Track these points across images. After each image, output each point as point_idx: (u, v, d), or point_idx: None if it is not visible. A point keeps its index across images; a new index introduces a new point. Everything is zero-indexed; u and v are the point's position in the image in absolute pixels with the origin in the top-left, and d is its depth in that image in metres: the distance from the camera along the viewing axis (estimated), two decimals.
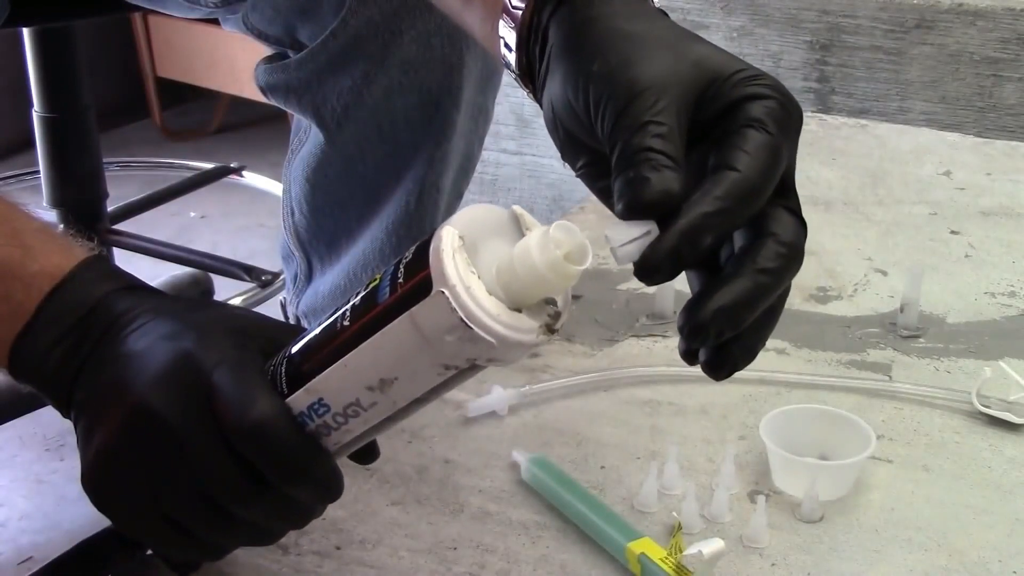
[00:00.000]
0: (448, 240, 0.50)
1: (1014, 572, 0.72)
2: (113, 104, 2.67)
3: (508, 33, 0.64)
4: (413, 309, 0.51)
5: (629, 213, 0.54)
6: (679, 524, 0.73)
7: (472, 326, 0.50)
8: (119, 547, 0.63)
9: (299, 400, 0.56)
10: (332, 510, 0.76)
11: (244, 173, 2.33)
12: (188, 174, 2.35)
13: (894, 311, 0.99)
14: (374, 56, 1.07)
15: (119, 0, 1.24)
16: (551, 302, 0.53)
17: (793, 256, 0.57)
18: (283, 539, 0.74)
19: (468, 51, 1.07)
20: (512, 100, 1.96)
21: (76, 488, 0.63)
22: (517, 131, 2.00)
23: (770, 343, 0.96)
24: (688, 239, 0.53)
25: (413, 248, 0.53)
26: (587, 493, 0.75)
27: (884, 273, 1.08)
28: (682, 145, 0.56)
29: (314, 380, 0.55)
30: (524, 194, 2.04)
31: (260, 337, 0.60)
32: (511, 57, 0.64)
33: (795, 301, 1.02)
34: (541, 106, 0.63)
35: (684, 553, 0.68)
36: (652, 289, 1.01)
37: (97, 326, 0.60)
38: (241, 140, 2.80)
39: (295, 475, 0.57)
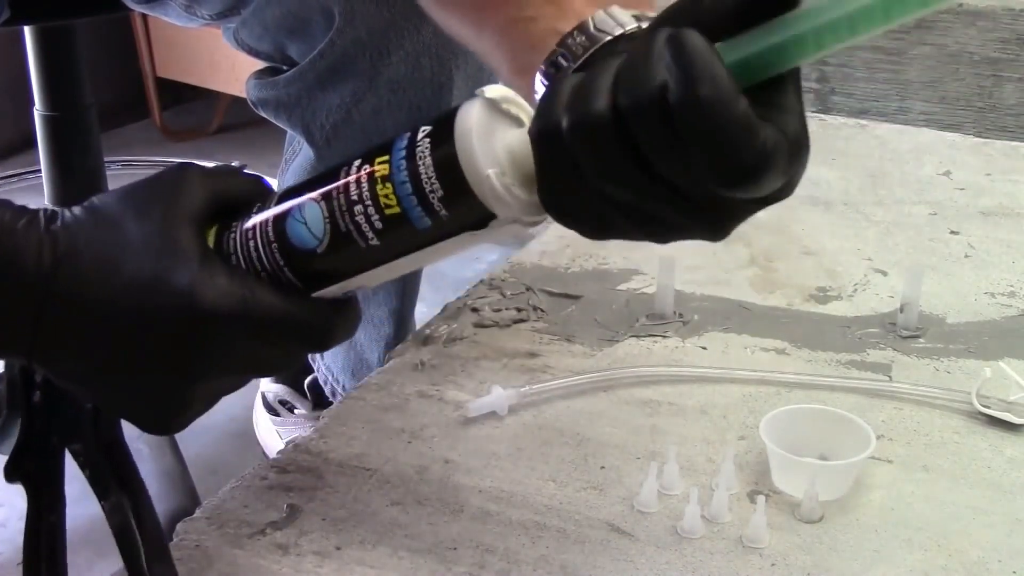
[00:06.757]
0: (499, 183, 0.53)
1: (1014, 572, 0.72)
2: (113, 104, 2.67)
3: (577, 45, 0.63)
4: (477, 232, 0.55)
5: None
6: None
7: (534, 225, 0.55)
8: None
9: (331, 291, 0.59)
10: (332, 510, 0.76)
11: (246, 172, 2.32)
12: None
13: (894, 311, 0.99)
14: (362, 75, 1.07)
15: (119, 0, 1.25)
16: None
17: None
18: (283, 539, 0.74)
19: (457, 71, 1.08)
20: None
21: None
22: None
23: (770, 343, 0.97)
24: None
25: (431, 166, 0.54)
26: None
27: (884, 273, 1.08)
28: None
29: (349, 279, 0.58)
30: None
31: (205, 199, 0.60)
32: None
33: (795, 301, 1.02)
34: None
35: None
36: (652, 289, 1.01)
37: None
38: (241, 140, 2.80)
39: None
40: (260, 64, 1.18)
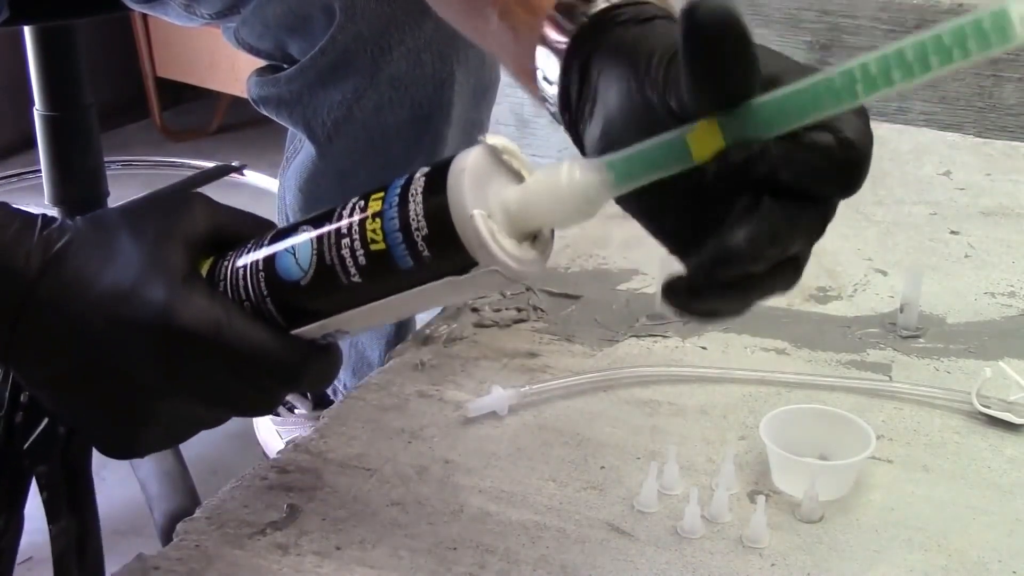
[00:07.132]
0: (483, 226, 0.54)
1: (1014, 572, 0.72)
2: (113, 104, 2.67)
3: (548, 63, 0.63)
4: (459, 279, 0.55)
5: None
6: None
7: (518, 281, 0.56)
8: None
9: (311, 331, 0.59)
10: (332, 510, 0.76)
11: (245, 172, 2.33)
12: (189, 173, 2.35)
13: (894, 311, 0.99)
14: (364, 72, 1.08)
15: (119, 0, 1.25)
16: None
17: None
18: (283, 539, 0.74)
19: (459, 67, 1.08)
20: (512, 100, 1.96)
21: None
22: (517, 131, 2.00)
23: (770, 343, 0.97)
24: None
25: (420, 203, 0.54)
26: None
27: (884, 273, 1.08)
28: None
29: (328, 319, 0.58)
30: None
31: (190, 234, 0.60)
32: (550, 90, 0.64)
33: (795, 301, 1.02)
34: (582, 134, 0.62)
35: None
36: (652, 289, 1.02)
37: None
38: (241, 140, 2.80)
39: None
40: (260, 63, 1.19)
